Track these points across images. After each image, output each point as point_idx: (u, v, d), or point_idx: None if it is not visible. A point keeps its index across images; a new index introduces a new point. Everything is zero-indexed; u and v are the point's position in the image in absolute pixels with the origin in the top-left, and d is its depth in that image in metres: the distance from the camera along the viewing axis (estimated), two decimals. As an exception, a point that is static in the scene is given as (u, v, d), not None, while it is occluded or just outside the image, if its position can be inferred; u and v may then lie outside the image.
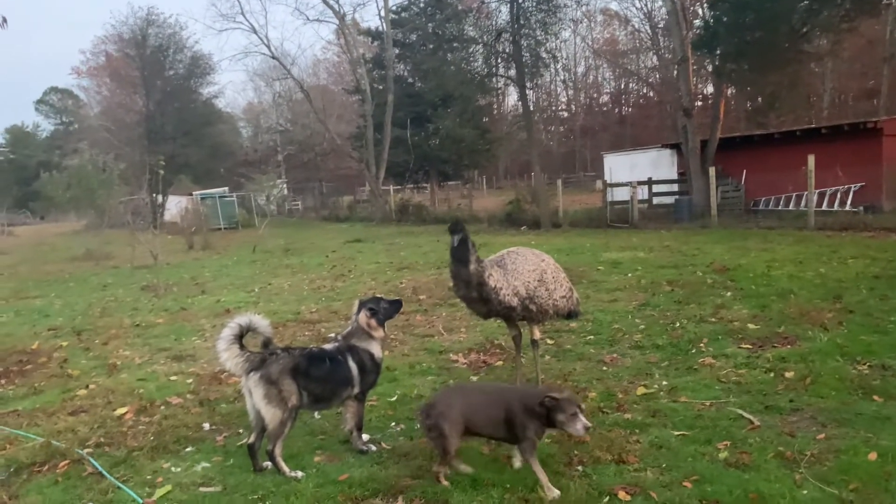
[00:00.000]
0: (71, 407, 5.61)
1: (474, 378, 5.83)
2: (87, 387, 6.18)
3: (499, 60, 27.89)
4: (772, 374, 5.34)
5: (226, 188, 44.30)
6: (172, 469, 4.24)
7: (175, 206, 36.36)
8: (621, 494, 3.50)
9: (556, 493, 3.51)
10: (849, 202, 18.85)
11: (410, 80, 39.51)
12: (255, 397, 3.97)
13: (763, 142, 22.37)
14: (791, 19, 18.89)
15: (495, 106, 56.09)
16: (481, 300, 5.07)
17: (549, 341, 6.84)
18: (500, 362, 6.32)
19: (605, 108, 66.54)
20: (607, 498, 3.49)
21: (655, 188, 23.67)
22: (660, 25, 31.44)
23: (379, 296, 4.66)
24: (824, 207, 18.69)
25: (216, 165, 45.17)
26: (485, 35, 26.66)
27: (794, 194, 20.04)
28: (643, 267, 11.20)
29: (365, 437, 4.44)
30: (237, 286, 12.76)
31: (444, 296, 9.89)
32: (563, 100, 68.95)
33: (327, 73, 64.77)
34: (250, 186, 36.92)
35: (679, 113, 22.71)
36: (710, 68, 27.84)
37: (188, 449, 4.57)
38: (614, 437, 4.26)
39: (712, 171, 19.07)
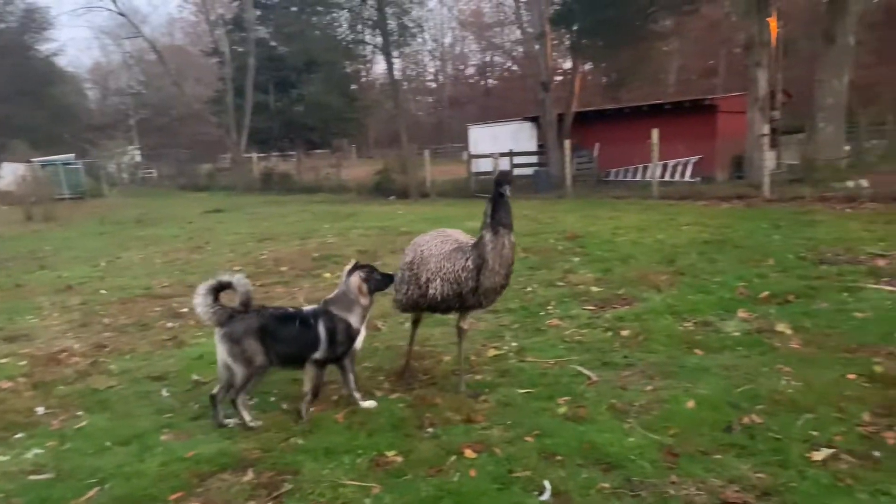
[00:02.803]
0: None
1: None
2: None
3: (364, 27, 27.48)
4: (610, 333, 5.76)
5: (72, 154, 40.77)
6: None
7: (11, 173, 32.97)
8: (467, 452, 3.66)
9: None
10: (688, 173, 20.50)
11: (273, 43, 38.04)
12: (221, 352, 4.11)
13: (614, 116, 23.72)
14: (640, 0, 20.06)
15: (363, 73, 55.27)
16: (504, 286, 4.47)
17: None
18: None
19: (471, 80, 67.51)
20: (454, 457, 3.64)
21: (516, 160, 24.46)
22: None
23: (372, 266, 4.51)
24: (667, 178, 20.19)
25: (59, 130, 41.30)
26: (349, 0, 26.14)
27: (641, 166, 21.46)
28: (503, 235, 11.54)
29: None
30: (82, 260, 11.88)
31: (307, 267, 9.77)
32: (431, 70, 69.21)
33: (183, 34, 61.05)
34: (98, 153, 34.24)
35: (539, 87, 23.51)
36: (567, 43, 28.89)
37: (18, 435, 4.25)
38: (464, 398, 4.44)
39: (567, 143, 19.98)
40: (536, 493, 3.26)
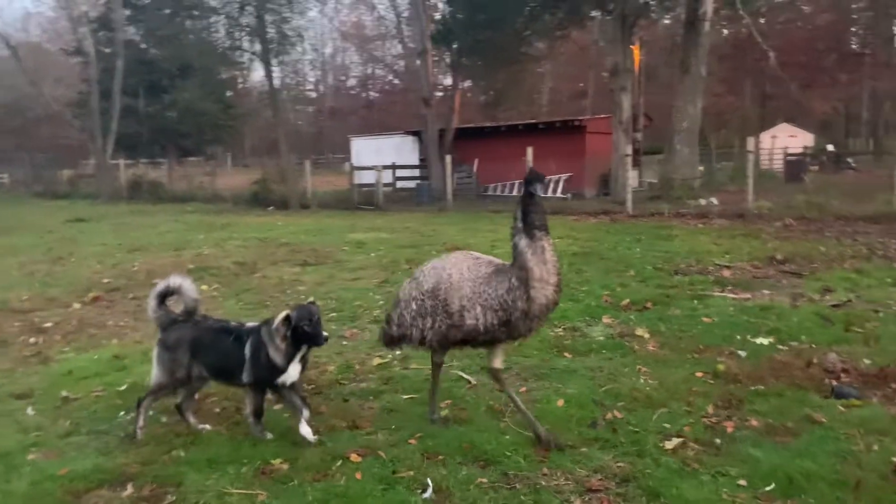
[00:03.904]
0: None
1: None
2: None
3: (242, 34, 26.86)
4: (488, 340, 6.06)
5: None
6: None
7: None
8: (353, 457, 3.77)
9: None
10: (559, 190, 21.61)
11: (144, 45, 36.21)
12: (153, 353, 4.18)
13: (492, 133, 24.62)
14: (515, 23, 21.03)
15: (241, 80, 53.67)
16: (555, 303, 3.99)
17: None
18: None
19: (353, 92, 67.39)
20: (340, 461, 3.74)
21: (399, 173, 24.80)
22: (404, 15, 32.77)
23: (314, 316, 3.92)
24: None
25: None
26: (227, 5, 25.48)
27: (517, 182, 22.31)
28: (385, 247, 11.71)
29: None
30: (-79, 273, 10.81)
31: (183, 279, 9.43)
32: (312, 80, 68.41)
33: (41, 30, 56.63)
34: (-63, 155, 31.09)
35: (421, 102, 23.98)
36: (448, 61, 29.68)
37: None
38: (349, 406, 4.56)
39: (448, 158, 20.52)
40: (420, 490, 3.43)
